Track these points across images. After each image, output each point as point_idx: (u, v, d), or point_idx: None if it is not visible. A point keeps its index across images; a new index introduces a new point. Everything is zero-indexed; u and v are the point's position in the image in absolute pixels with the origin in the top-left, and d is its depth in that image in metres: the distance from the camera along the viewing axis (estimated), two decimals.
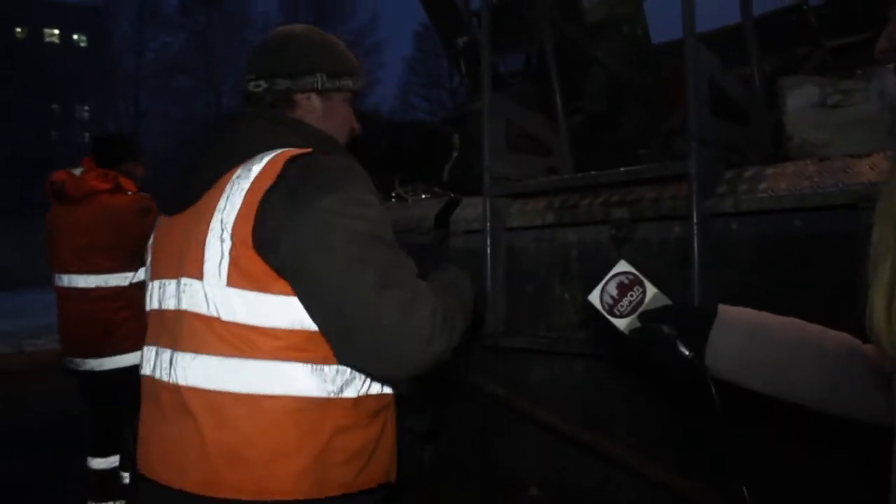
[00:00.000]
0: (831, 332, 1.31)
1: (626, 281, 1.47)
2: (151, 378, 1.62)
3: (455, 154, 4.05)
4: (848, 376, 1.26)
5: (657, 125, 4.18)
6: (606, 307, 1.47)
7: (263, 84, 1.74)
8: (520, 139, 3.44)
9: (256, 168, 1.50)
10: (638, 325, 1.44)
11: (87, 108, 39.70)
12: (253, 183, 1.48)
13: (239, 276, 1.46)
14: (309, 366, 1.48)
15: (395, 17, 44.76)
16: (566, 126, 3.70)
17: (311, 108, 1.75)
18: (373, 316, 1.42)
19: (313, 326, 1.47)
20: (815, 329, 1.32)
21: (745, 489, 1.37)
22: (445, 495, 3.27)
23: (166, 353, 1.57)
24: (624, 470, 2.68)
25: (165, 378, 1.55)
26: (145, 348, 1.68)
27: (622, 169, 2.76)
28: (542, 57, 4.79)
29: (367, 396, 1.55)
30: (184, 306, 1.53)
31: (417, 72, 39.97)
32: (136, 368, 3.67)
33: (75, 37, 43.44)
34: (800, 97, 2.79)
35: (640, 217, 2.71)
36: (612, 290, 1.47)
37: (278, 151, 1.53)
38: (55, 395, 5.08)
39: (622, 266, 1.48)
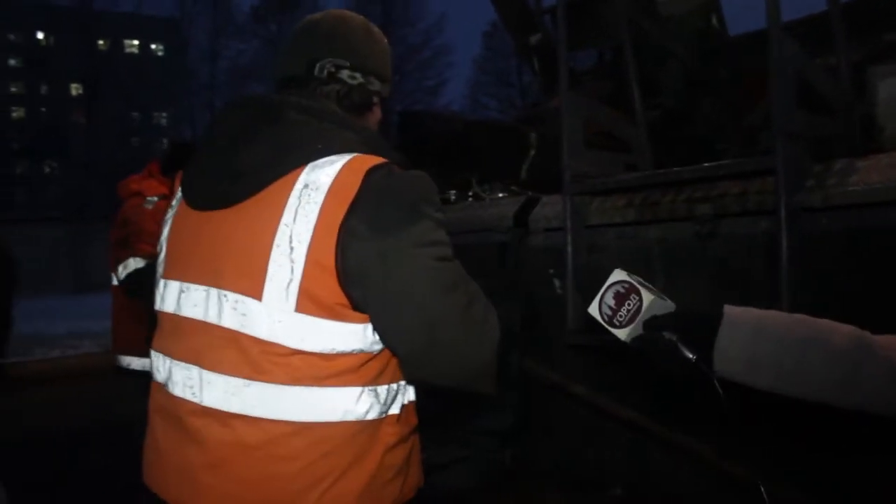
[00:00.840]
0: (838, 326, 1.30)
1: (622, 290, 1.45)
2: (166, 391, 1.50)
3: (532, 152, 4.04)
4: (858, 369, 1.24)
5: (736, 119, 4.10)
6: (606, 318, 1.46)
7: (360, 78, 1.59)
8: (597, 136, 3.41)
9: (327, 178, 1.36)
10: (639, 332, 1.42)
11: (164, 114, 40.90)
12: (328, 197, 1.34)
13: (310, 302, 1.34)
14: (365, 388, 1.42)
15: (463, 17, 44.79)
16: (644, 122, 3.66)
17: (377, 116, 1.65)
18: (464, 332, 1.40)
19: (373, 350, 1.41)
20: (821, 324, 1.31)
21: (762, 489, 1.37)
22: (527, 496, 3.27)
23: (192, 371, 1.45)
24: (710, 470, 2.64)
25: (188, 397, 1.44)
26: (154, 353, 1.56)
27: (706, 164, 2.72)
28: (616, 53, 4.75)
29: (406, 407, 1.51)
30: (230, 324, 1.39)
31: (486, 71, 40.01)
32: (127, 372, 3.52)
33: (153, 47, 44.88)
34: (892, 86, 2.70)
35: (725, 213, 2.66)
36: (610, 300, 1.45)
37: (349, 158, 1.38)
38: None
39: (617, 275, 1.46)
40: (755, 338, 1.31)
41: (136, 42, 44.03)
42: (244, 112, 1.50)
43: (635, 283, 1.44)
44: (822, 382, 1.27)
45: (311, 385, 1.37)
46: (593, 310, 1.47)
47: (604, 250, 3.03)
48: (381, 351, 1.42)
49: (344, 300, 1.35)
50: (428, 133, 4.46)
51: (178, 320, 1.49)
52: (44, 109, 36.01)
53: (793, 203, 2.43)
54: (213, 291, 1.42)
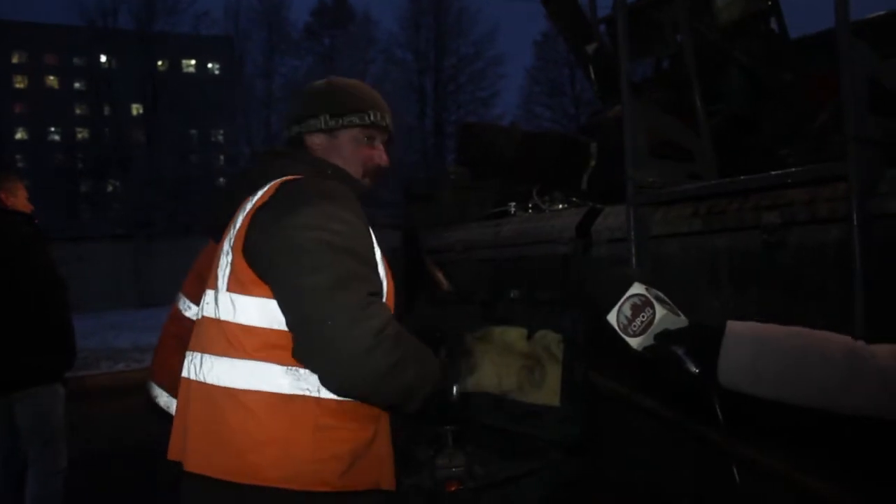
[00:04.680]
0: (833, 336, 1.42)
1: (638, 302, 1.56)
2: (183, 378, 1.88)
3: (592, 163, 4.02)
4: (854, 376, 1.35)
5: (801, 124, 4.01)
6: (621, 327, 1.58)
7: (286, 131, 2.07)
8: (659, 145, 3.38)
9: (259, 193, 1.80)
10: (650, 343, 1.54)
11: (221, 132, 41.65)
12: (253, 204, 1.77)
13: (234, 283, 1.72)
14: (284, 367, 1.67)
15: (514, 28, 44.81)
16: (707, 130, 3.61)
17: (317, 146, 2.01)
18: (322, 315, 1.59)
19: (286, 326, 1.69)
20: (818, 334, 1.42)
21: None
22: None
23: (196, 355, 1.82)
24: (783, 484, 2.58)
25: (194, 377, 1.80)
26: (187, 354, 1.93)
27: (773, 172, 2.67)
28: (674, 61, 4.70)
29: (355, 403, 1.71)
30: (204, 313, 1.83)
31: (539, 81, 39.94)
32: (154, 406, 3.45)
33: (209, 66, 45.83)
34: None
35: (794, 221, 2.61)
36: (627, 310, 1.57)
37: (278, 179, 1.82)
38: None
39: (636, 288, 1.58)
40: (756, 350, 1.43)
41: (193, 61, 45.04)
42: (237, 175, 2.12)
43: (651, 298, 1.56)
44: (821, 389, 1.38)
45: (237, 357, 1.68)
46: (611, 317, 1.60)
47: (669, 261, 2.99)
48: None
49: (252, 274, 1.69)
50: (487, 145, 4.47)
51: (196, 323, 1.92)
52: (107, 130, 36.92)
53: (865, 210, 2.37)
54: (205, 294, 1.87)
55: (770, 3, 4.61)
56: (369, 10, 43.59)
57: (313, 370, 1.65)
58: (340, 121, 2.01)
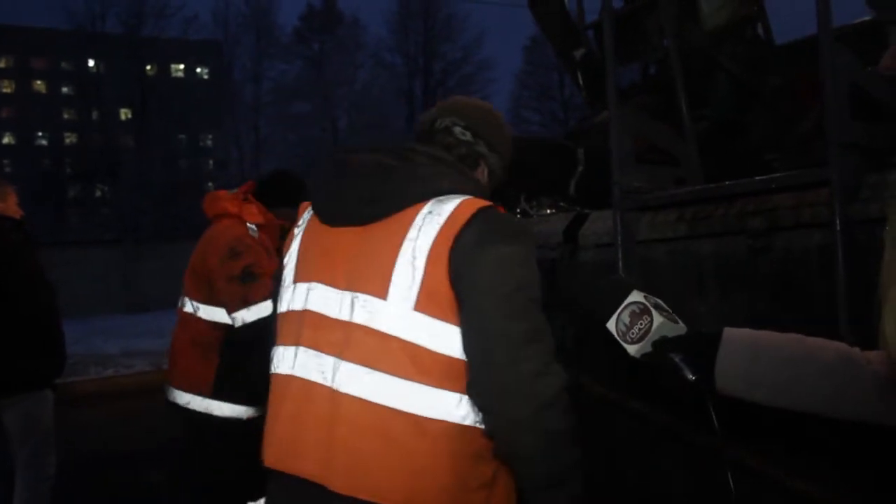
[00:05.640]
0: (829, 343, 1.43)
1: (636, 310, 1.59)
2: (291, 376, 1.73)
3: (580, 168, 4.04)
4: (850, 382, 1.36)
5: (786, 129, 4.04)
6: (620, 334, 1.60)
7: (469, 136, 1.91)
8: (646, 151, 3.40)
9: (449, 207, 1.65)
10: (648, 350, 1.56)
11: (210, 136, 41.49)
12: (448, 220, 1.63)
13: (427, 303, 1.60)
14: (459, 396, 1.61)
15: (503, 32, 44.88)
16: (693, 135, 3.64)
17: (482, 177, 1.95)
18: (509, 362, 1.56)
19: None
20: (814, 341, 1.43)
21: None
22: None
23: (325, 358, 1.68)
24: (774, 488, 2.59)
25: (319, 380, 1.67)
26: (281, 348, 1.79)
27: (758, 178, 2.69)
28: (661, 66, 4.73)
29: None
30: (358, 320, 1.65)
31: (528, 85, 40.04)
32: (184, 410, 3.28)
33: (198, 70, 45.69)
34: None
35: (778, 226, 2.64)
36: (626, 318, 1.60)
37: (468, 197, 1.69)
38: None
39: (634, 296, 1.60)
40: (752, 356, 1.44)
41: (181, 66, 44.89)
42: (378, 153, 1.80)
43: (649, 306, 1.58)
44: (816, 395, 1.40)
45: (419, 382, 1.59)
46: (610, 324, 1.62)
47: (655, 266, 3.02)
48: None
49: (452, 299, 1.60)
50: None
51: (305, 315, 1.74)
52: (95, 134, 36.69)
53: (848, 215, 2.40)
54: (348, 294, 1.68)
55: (756, 8, 4.64)
56: (358, 15, 43.56)
57: (486, 412, 1.62)
58: (501, 175, 2.02)
